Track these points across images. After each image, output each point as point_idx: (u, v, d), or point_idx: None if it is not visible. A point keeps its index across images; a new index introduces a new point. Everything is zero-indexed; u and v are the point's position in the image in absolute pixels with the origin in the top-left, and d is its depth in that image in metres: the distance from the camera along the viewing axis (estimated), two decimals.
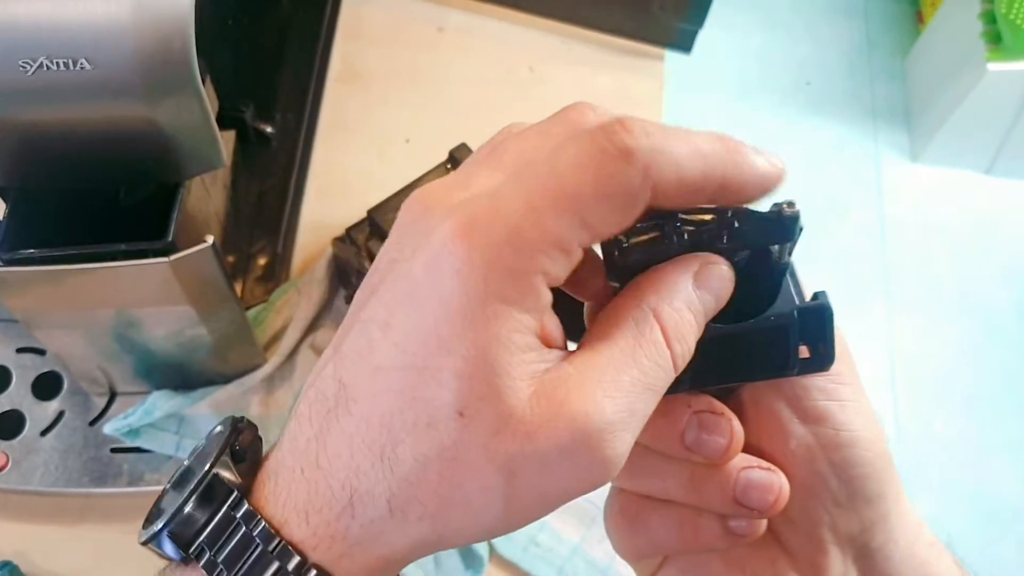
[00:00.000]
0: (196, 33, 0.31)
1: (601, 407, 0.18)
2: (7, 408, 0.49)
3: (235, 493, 0.19)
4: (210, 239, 0.37)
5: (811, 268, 1.36)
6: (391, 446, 0.18)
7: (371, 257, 0.49)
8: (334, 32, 0.67)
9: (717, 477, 0.22)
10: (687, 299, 0.19)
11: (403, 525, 0.18)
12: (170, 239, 0.36)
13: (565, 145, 0.18)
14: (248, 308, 0.53)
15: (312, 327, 0.53)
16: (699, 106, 1.41)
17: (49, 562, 0.47)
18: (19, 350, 0.51)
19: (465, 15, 0.68)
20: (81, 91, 0.30)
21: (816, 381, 0.22)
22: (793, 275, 0.21)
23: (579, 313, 0.22)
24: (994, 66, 1.22)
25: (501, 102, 0.65)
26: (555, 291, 0.19)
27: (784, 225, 0.19)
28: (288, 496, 0.19)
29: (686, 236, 0.19)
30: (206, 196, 0.45)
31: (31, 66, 0.29)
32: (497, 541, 0.49)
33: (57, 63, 0.29)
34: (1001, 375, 1.24)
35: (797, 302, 0.21)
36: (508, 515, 0.18)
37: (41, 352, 0.51)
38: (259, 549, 0.18)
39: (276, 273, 0.56)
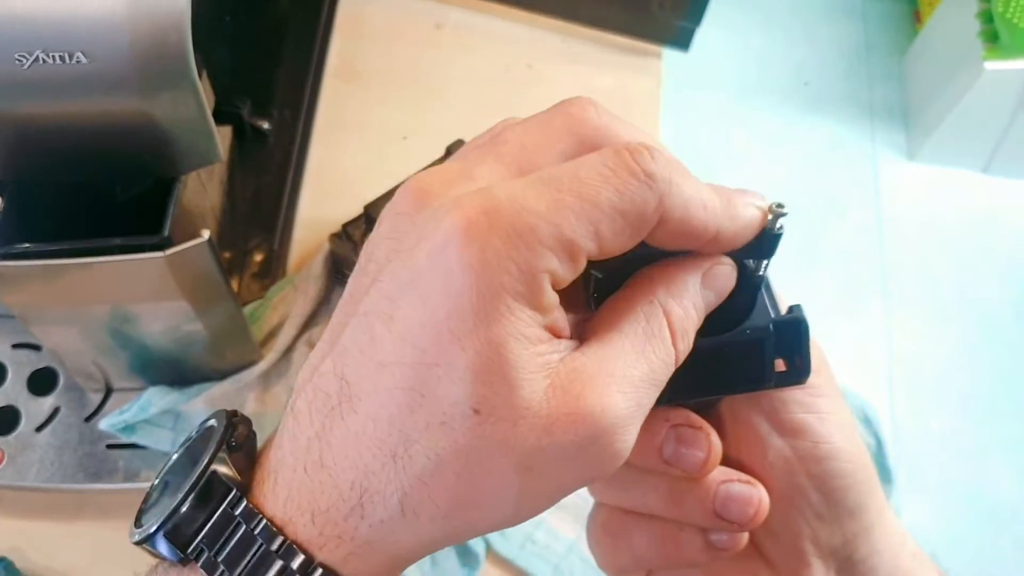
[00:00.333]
0: (193, 29, 0.31)
1: (615, 402, 0.18)
2: (2, 404, 0.49)
3: (234, 491, 0.19)
4: (206, 234, 0.37)
5: (809, 267, 1.37)
6: (404, 446, 0.17)
7: None
8: (331, 29, 0.67)
9: (697, 490, 0.22)
10: (694, 297, 0.19)
11: (414, 525, 0.18)
12: (166, 234, 0.36)
13: (590, 156, 0.18)
14: (244, 304, 0.53)
15: (309, 323, 0.53)
16: (697, 105, 1.41)
17: (45, 558, 0.47)
18: (15, 346, 0.51)
19: (463, 12, 0.68)
20: (77, 85, 0.30)
21: (794, 394, 0.22)
22: (769, 288, 0.22)
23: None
24: (991, 65, 1.23)
25: (499, 99, 0.65)
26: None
27: (766, 241, 0.20)
28: (290, 495, 0.18)
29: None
30: (202, 192, 0.45)
31: (27, 59, 0.29)
32: (493, 538, 0.49)
33: (53, 56, 0.29)
34: (998, 374, 1.25)
35: (773, 315, 0.21)
36: (518, 509, 0.18)
37: (37, 348, 0.51)
38: (262, 548, 0.18)
39: (272, 269, 0.56)
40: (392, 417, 0.17)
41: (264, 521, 0.18)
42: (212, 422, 0.20)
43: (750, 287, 0.21)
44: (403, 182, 0.19)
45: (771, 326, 0.21)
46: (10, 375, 0.50)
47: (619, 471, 0.22)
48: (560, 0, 0.67)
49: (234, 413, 0.21)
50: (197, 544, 0.18)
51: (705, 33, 0.66)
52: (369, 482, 0.18)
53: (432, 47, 0.67)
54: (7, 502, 0.49)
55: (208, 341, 0.45)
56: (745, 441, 0.23)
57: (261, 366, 0.50)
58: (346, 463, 0.18)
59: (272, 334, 0.52)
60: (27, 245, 0.36)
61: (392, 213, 0.19)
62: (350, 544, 0.18)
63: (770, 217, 0.20)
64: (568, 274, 0.18)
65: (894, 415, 1.20)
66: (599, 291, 0.20)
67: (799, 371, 0.21)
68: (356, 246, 0.50)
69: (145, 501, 0.20)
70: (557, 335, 0.18)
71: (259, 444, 0.21)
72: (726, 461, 0.23)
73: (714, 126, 1.41)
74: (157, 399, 0.48)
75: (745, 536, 0.23)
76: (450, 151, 0.50)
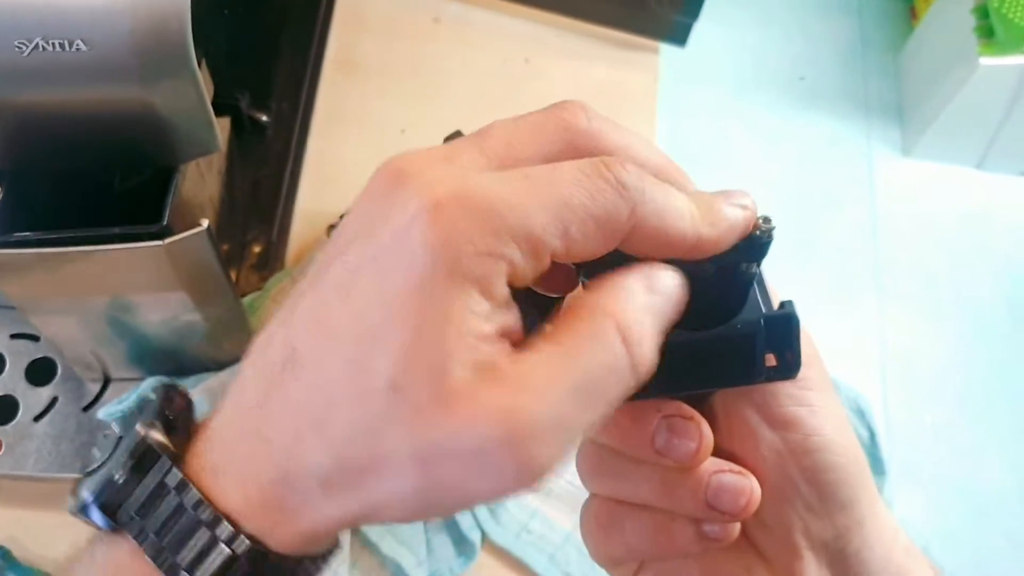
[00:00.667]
0: (192, 21, 0.31)
1: (531, 409, 0.16)
2: (1, 394, 0.49)
3: (167, 460, 0.19)
4: (205, 223, 0.37)
5: (804, 262, 1.38)
6: (329, 413, 0.17)
7: None
8: (330, 22, 0.67)
9: (689, 481, 0.22)
10: (643, 303, 0.19)
11: (333, 498, 0.18)
12: (165, 223, 0.36)
13: (567, 163, 0.18)
14: (243, 296, 0.53)
15: None
16: (693, 100, 1.41)
17: (42, 547, 0.47)
18: (13, 336, 0.51)
19: (461, 6, 0.69)
20: (77, 72, 0.30)
21: (785, 387, 0.22)
22: (761, 283, 0.22)
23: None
24: (986, 60, 1.23)
25: (496, 93, 0.66)
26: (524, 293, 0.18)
27: (756, 246, 0.20)
28: (223, 464, 0.18)
29: None
30: (201, 182, 0.45)
31: (27, 47, 0.29)
32: (489, 528, 0.49)
33: (53, 44, 0.29)
34: (992, 368, 1.25)
35: (764, 310, 0.21)
36: (423, 503, 0.17)
37: (35, 338, 0.51)
38: (189, 517, 0.18)
39: (271, 261, 0.56)
40: (326, 385, 0.17)
41: (194, 491, 0.18)
42: (151, 395, 0.20)
43: (741, 284, 0.21)
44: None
45: (762, 321, 0.21)
46: (8, 365, 0.50)
47: (610, 461, 0.23)
48: None
49: (171, 385, 0.21)
50: (129, 514, 0.18)
51: (702, 28, 0.66)
52: (299, 450, 0.18)
53: (430, 41, 0.67)
54: (5, 491, 0.49)
55: (206, 331, 0.45)
56: (737, 433, 0.23)
57: None
58: (281, 432, 0.18)
59: None
60: (27, 233, 0.36)
61: (368, 191, 0.19)
62: (276, 514, 0.18)
63: (757, 233, 0.20)
64: (529, 269, 0.17)
65: (888, 409, 1.21)
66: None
67: (790, 366, 0.21)
68: None
69: (84, 475, 0.20)
70: (506, 335, 0.18)
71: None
72: (718, 453, 0.23)
73: (710, 121, 1.42)
74: None
75: (737, 527, 0.23)
76: (447, 142, 0.50)
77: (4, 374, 0.50)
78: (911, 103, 1.45)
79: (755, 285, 0.21)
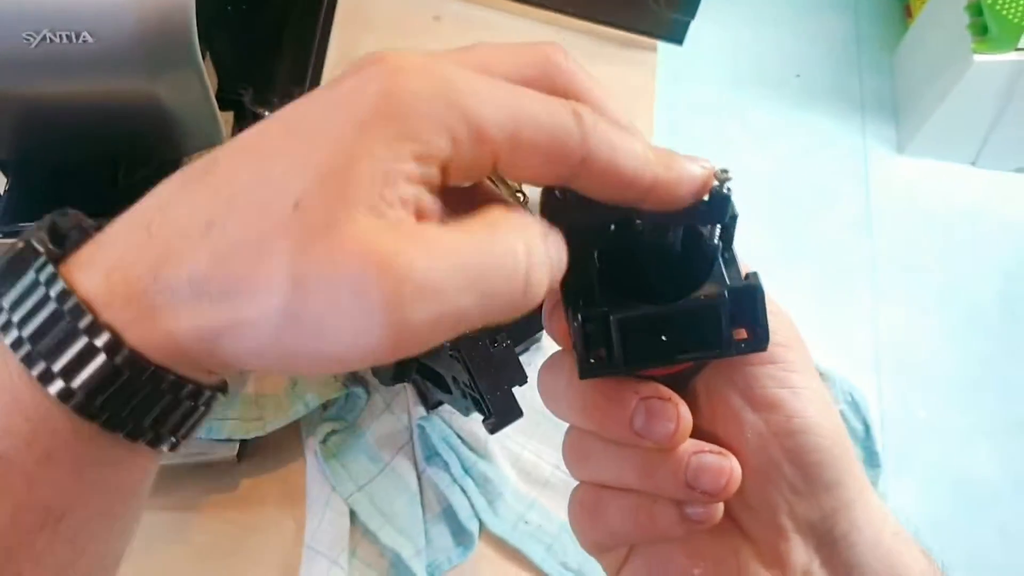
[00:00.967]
0: (196, 15, 0.31)
1: (414, 262, 0.16)
2: None
3: (41, 258, 0.18)
4: None
5: (799, 257, 1.38)
6: (222, 215, 0.17)
7: None
8: (333, 19, 0.67)
9: (669, 462, 0.22)
10: (553, 250, 0.19)
11: (194, 302, 0.17)
12: None
13: (532, 89, 0.19)
14: None
15: None
16: (690, 97, 1.42)
17: None
18: None
19: (462, 4, 0.69)
20: (83, 64, 0.31)
21: (767, 369, 0.23)
22: (732, 260, 0.22)
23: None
24: (980, 57, 1.24)
25: None
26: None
27: (715, 204, 0.20)
28: (102, 256, 0.18)
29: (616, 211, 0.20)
30: None
31: (34, 39, 0.30)
32: (487, 518, 0.49)
33: (60, 36, 0.30)
34: (984, 363, 1.26)
35: (729, 282, 0.21)
36: (278, 335, 0.17)
37: None
38: (53, 307, 0.18)
39: None
40: (230, 191, 0.17)
41: (61, 283, 0.18)
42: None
43: (705, 254, 0.21)
44: None
45: (726, 293, 0.21)
46: None
47: (593, 445, 0.23)
48: None
49: (73, 209, 0.20)
50: (3, 309, 0.18)
51: (699, 27, 0.67)
52: (178, 245, 0.17)
53: (431, 38, 0.68)
54: None
55: None
56: (720, 416, 0.23)
57: None
58: (169, 228, 0.18)
59: None
60: (32, 224, 0.37)
61: (349, 67, 0.19)
62: (136, 308, 0.18)
63: (716, 184, 0.20)
64: (470, 157, 0.17)
65: (882, 402, 1.21)
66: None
67: (759, 338, 0.21)
68: None
69: None
70: (417, 210, 0.17)
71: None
72: (702, 436, 0.23)
73: (707, 118, 1.42)
74: None
75: (720, 510, 0.23)
76: None
77: None
78: (906, 100, 1.45)
79: (720, 259, 0.22)
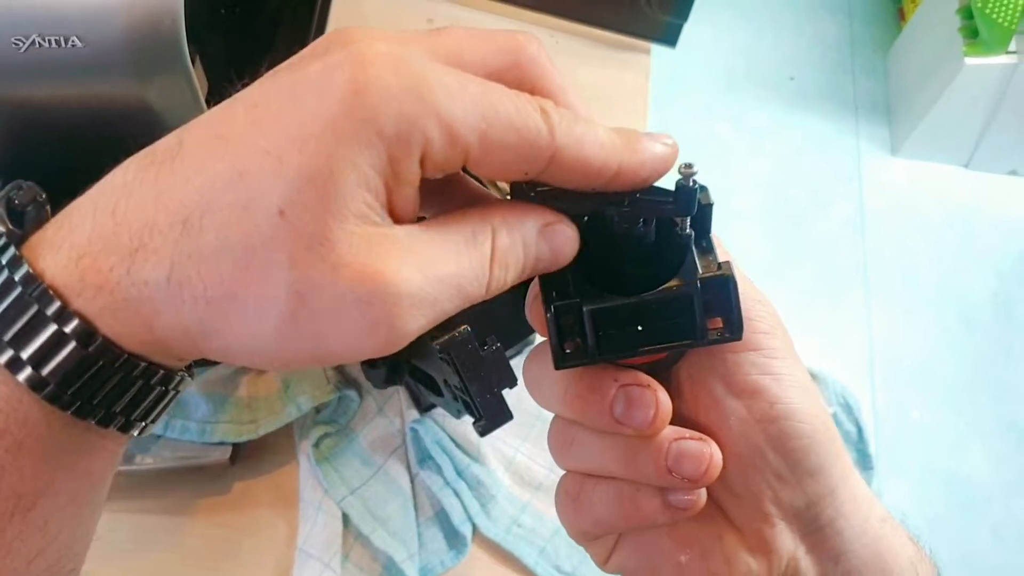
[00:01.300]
0: (188, 19, 0.31)
1: (411, 278, 0.17)
2: None
3: (2, 239, 0.18)
4: None
5: (792, 259, 1.39)
6: (199, 214, 0.17)
7: None
8: (326, 22, 0.67)
9: (650, 449, 0.22)
10: (526, 238, 0.20)
11: (177, 300, 0.17)
12: None
13: (500, 85, 0.19)
14: None
15: None
16: (684, 99, 1.42)
17: None
18: None
19: (454, 7, 0.69)
20: (72, 68, 0.31)
21: (749, 356, 0.23)
22: (710, 248, 0.22)
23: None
24: (971, 60, 1.24)
25: None
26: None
27: (682, 197, 0.20)
28: (68, 239, 0.18)
29: (589, 201, 0.20)
30: None
31: (23, 43, 0.30)
32: (480, 522, 0.49)
33: (49, 40, 0.30)
34: (978, 364, 1.27)
35: (701, 272, 0.22)
36: (278, 340, 0.17)
37: None
38: (17, 292, 0.17)
39: None
40: (203, 185, 0.17)
41: (26, 266, 0.17)
42: None
43: (678, 245, 0.22)
44: None
45: (698, 283, 0.21)
46: None
47: (576, 434, 0.24)
48: None
49: (23, 181, 0.20)
50: None
51: (693, 30, 0.67)
52: (150, 239, 0.17)
53: None
54: None
55: None
56: (703, 403, 0.23)
57: None
58: (137, 216, 0.17)
59: None
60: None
61: (315, 42, 0.19)
62: (107, 297, 0.17)
63: (682, 178, 0.20)
64: (441, 155, 0.18)
65: (875, 403, 1.22)
66: None
67: (734, 328, 0.22)
68: None
69: None
70: (393, 210, 0.18)
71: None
72: (685, 423, 0.23)
73: (701, 120, 1.43)
74: None
75: (703, 496, 0.23)
76: None
77: None
78: (899, 102, 1.46)
79: (696, 249, 0.22)
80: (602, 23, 0.68)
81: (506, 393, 0.40)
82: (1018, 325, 1.31)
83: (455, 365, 0.37)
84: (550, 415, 0.25)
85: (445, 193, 0.21)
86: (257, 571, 0.47)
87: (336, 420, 0.50)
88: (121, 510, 0.46)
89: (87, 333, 0.17)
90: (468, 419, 0.43)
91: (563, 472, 0.25)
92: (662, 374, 0.24)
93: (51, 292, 0.17)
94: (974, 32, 1.25)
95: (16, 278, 0.17)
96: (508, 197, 0.21)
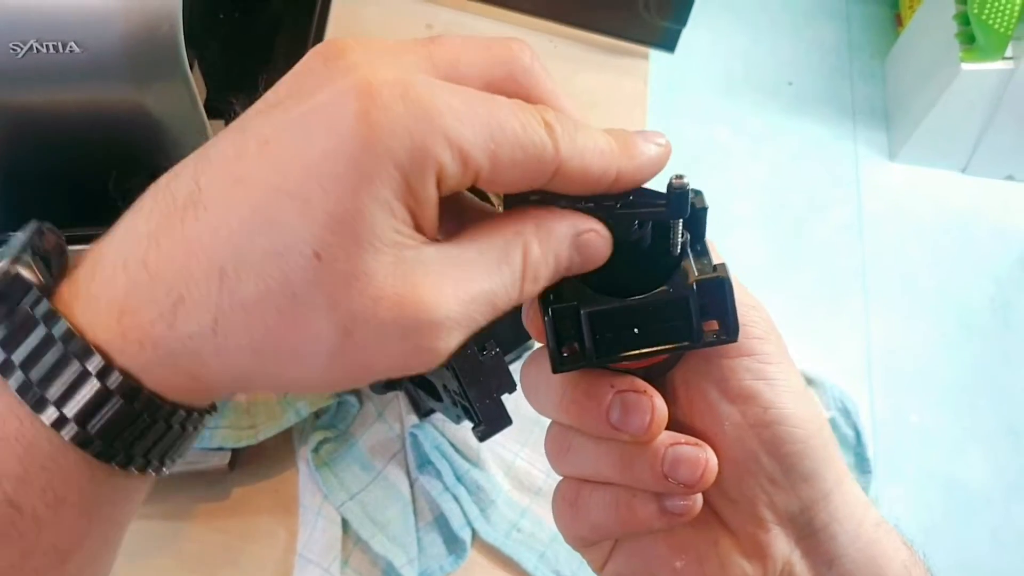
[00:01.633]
0: (186, 25, 0.31)
1: (448, 303, 0.18)
2: None
3: (34, 291, 0.18)
4: None
5: (791, 265, 1.39)
6: (234, 264, 0.17)
7: None
8: (324, 28, 0.67)
9: (646, 455, 0.23)
10: (557, 248, 0.20)
11: (223, 350, 0.17)
12: None
13: (502, 97, 0.19)
14: None
15: None
16: (683, 104, 1.43)
17: None
18: None
19: (454, 12, 0.69)
20: (70, 74, 0.31)
21: (743, 361, 0.23)
22: (704, 251, 0.22)
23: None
24: (968, 66, 1.25)
25: None
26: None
27: (674, 200, 0.20)
28: (102, 292, 0.18)
29: (585, 203, 0.21)
30: None
31: (21, 49, 0.30)
32: (480, 526, 0.49)
33: (47, 46, 0.30)
34: (975, 368, 1.27)
35: (697, 274, 0.22)
36: (328, 373, 0.18)
37: None
38: (59, 350, 0.17)
39: None
40: (233, 233, 0.17)
41: (64, 322, 0.17)
42: (20, 233, 0.20)
43: (673, 249, 0.22)
44: None
45: (694, 285, 0.21)
46: None
47: (573, 440, 0.24)
48: (549, 2, 0.68)
49: (44, 224, 0.20)
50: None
51: (692, 35, 0.67)
52: (188, 291, 0.17)
53: None
54: None
55: None
56: (698, 409, 0.23)
57: None
58: (170, 267, 0.17)
59: None
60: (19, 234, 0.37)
61: (307, 59, 0.18)
62: (152, 352, 0.17)
63: (673, 184, 0.21)
64: (454, 177, 0.18)
65: (874, 408, 1.22)
66: None
67: (730, 330, 0.22)
68: None
69: None
70: (422, 231, 0.18)
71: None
72: (681, 429, 0.23)
73: (700, 125, 1.43)
74: None
75: (698, 502, 0.23)
76: None
77: None
78: (897, 107, 1.46)
79: (691, 252, 0.22)
80: (601, 28, 0.68)
81: (505, 398, 0.40)
82: (1016, 330, 1.31)
83: (454, 370, 0.37)
84: (549, 420, 0.25)
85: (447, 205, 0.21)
86: None
87: (335, 425, 0.50)
88: None
89: (131, 388, 0.18)
90: (467, 424, 0.43)
91: (551, 466, 0.25)
92: (657, 380, 0.24)
93: (93, 349, 0.17)
94: (971, 38, 1.26)
95: (55, 334, 0.17)
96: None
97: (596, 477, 0.24)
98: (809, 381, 0.78)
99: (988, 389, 1.26)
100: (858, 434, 0.74)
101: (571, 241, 0.20)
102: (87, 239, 0.37)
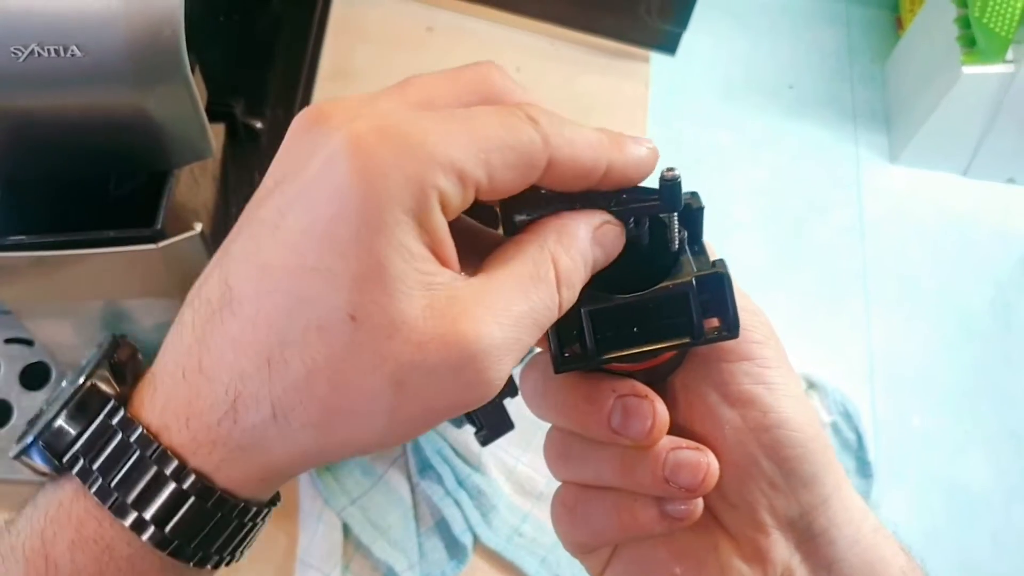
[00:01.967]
0: (187, 28, 0.31)
1: (491, 331, 0.18)
2: None
3: (112, 402, 0.19)
4: (198, 227, 0.38)
5: (792, 266, 1.39)
6: (279, 350, 0.17)
7: None
8: (325, 31, 0.67)
9: (647, 459, 0.23)
10: (583, 250, 0.20)
11: (287, 432, 0.18)
12: (159, 226, 0.37)
13: (482, 107, 0.19)
14: None
15: None
16: (684, 107, 1.43)
17: None
18: (7, 340, 0.51)
19: (454, 15, 0.69)
20: (72, 78, 0.31)
21: (742, 366, 0.23)
22: (702, 251, 0.22)
23: None
24: (969, 69, 1.25)
25: None
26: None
27: (667, 193, 0.20)
28: (168, 401, 0.19)
29: (579, 204, 0.21)
30: (195, 187, 0.46)
31: (22, 53, 0.30)
32: (481, 531, 0.49)
33: (48, 50, 0.30)
34: (977, 371, 1.27)
35: (696, 270, 0.22)
36: (391, 426, 0.18)
37: (29, 343, 0.51)
38: (136, 455, 0.18)
39: None
40: (270, 320, 0.17)
41: (140, 428, 0.18)
42: (97, 347, 0.21)
43: (672, 247, 0.22)
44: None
45: (693, 281, 0.21)
46: (3, 370, 0.50)
47: (573, 445, 0.24)
48: (550, 5, 0.68)
49: (120, 335, 0.21)
50: (73, 454, 0.19)
51: (692, 38, 0.67)
52: (244, 386, 0.18)
53: (424, 50, 0.68)
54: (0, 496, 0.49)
55: None
56: (698, 413, 0.24)
57: None
58: (223, 367, 0.18)
59: None
60: (21, 237, 0.36)
61: (291, 134, 0.19)
62: (223, 450, 0.18)
63: (663, 177, 0.21)
64: (457, 199, 0.18)
65: (875, 411, 1.22)
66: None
67: (730, 325, 0.22)
68: None
69: (28, 424, 0.20)
70: (443, 262, 0.18)
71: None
72: (681, 433, 0.23)
73: (700, 128, 1.43)
74: None
75: (699, 506, 0.23)
76: None
77: None
78: (897, 111, 1.46)
79: (689, 251, 0.22)
80: (602, 31, 0.68)
81: (507, 403, 0.40)
82: (1017, 332, 1.31)
83: None
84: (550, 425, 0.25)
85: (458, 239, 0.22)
86: None
87: None
88: None
89: (205, 488, 0.18)
90: (469, 428, 0.43)
91: (551, 471, 0.25)
92: (658, 384, 0.24)
93: (169, 453, 0.18)
94: (972, 41, 1.26)
95: (132, 441, 0.18)
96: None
97: (596, 482, 0.24)
98: (811, 385, 0.78)
99: (989, 392, 1.25)
100: (859, 438, 0.74)
101: (592, 238, 0.20)
102: (91, 243, 0.37)
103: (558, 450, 0.24)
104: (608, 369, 0.23)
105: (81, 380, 0.19)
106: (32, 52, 0.30)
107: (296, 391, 0.17)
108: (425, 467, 0.50)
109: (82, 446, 0.19)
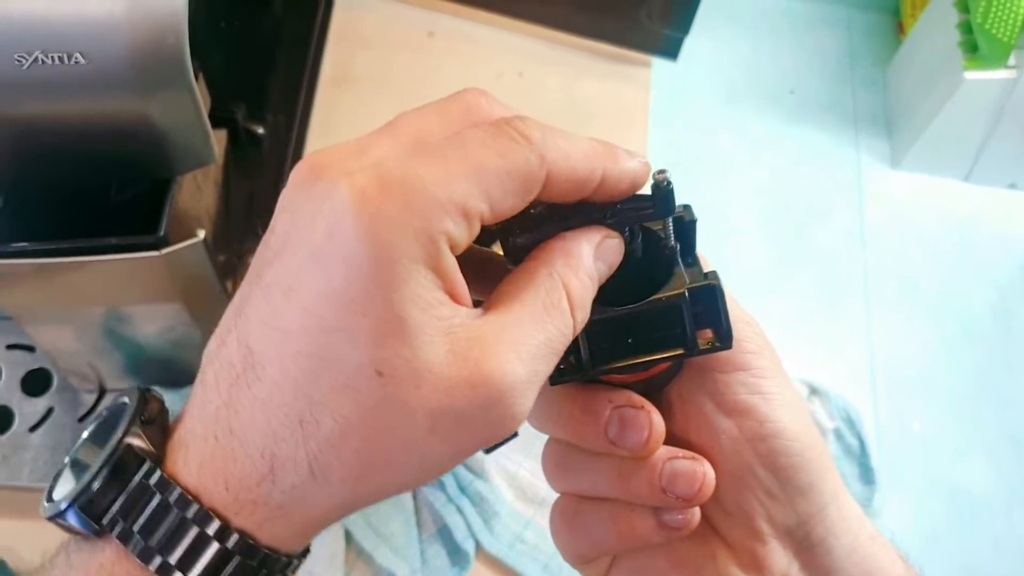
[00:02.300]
0: (189, 34, 0.31)
1: (515, 368, 0.18)
2: None
3: (148, 462, 0.19)
4: (201, 234, 0.38)
5: (793, 271, 1.38)
6: (310, 410, 0.18)
7: None
8: (326, 36, 0.67)
9: (644, 470, 0.23)
10: (589, 269, 0.20)
11: (325, 489, 0.18)
12: (162, 233, 0.37)
13: (471, 129, 0.19)
14: None
15: None
16: (685, 112, 1.43)
17: (38, 558, 0.47)
18: (9, 346, 0.51)
19: (455, 20, 0.69)
20: (75, 85, 0.31)
21: (738, 376, 0.23)
22: (695, 263, 0.23)
23: None
24: (971, 74, 1.25)
25: None
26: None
27: (660, 199, 0.21)
28: (203, 464, 0.19)
29: (573, 219, 0.21)
30: (198, 193, 0.46)
31: (26, 60, 0.30)
32: (484, 538, 0.49)
33: (52, 57, 0.30)
34: (978, 375, 1.27)
35: (688, 282, 0.22)
36: (423, 469, 0.19)
37: (31, 349, 0.51)
38: (178, 516, 0.18)
39: None
40: (297, 383, 0.18)
41: (179, 490, 0.18)
42: (124, 399, 0.20)
43: (665, 260, 0.22)
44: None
45: (686, 292, 0.22)
46: (4, 376, 0.50)
47: (570, 456, 0.24)
48: (551, 10, 0.68)
49: (147, 389, 0.21)
50: (112, 516, 0.18)
51: (694, 43, 0.67)
52: (279, 448, 0.18)
53: (425, 55, 0.68)
54: (1, 502, 0.49)
55: (202, 342, 0.45)
56: (694, 423, 0.24)
57: None
58: (254, 430, 0.18)
59: None
60: (24, 244, 0.36)
61: (289, 187, 0.19)
62: (264, 509, 0.18)
63: (655, 181, 0.21)
64: (464, 236, 0.18)
65: (876, 416, 1.21)
66: (519, 258, 0.21)
67: (723, 337, 0.22)
68: None
69: (55, 479, 0.20)
70: (457, 301, 0.19)
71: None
72: (677, 443, 0.23)
73: (702, 133, 1.43)
74: None
75: (696, 516, 0.23)
76: None
77: (0, 385, 0.50)
78: (899, 116, 1.46)
79: (682, 264, 0.22)
80: (603, 36, 0.68)
81: None
82: (1017, 337, 1.31)
83: None
84: None
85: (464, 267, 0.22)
86: None
87: None
88: None
89: (249, 547, 0.19)
90: None
91: (549, 483, 0.25)
92: (654, 395, 0.24)
93: (211, 513, 0.18)
94: (974, 46, 1.26)
95: (170, 501, 0.18)
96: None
97: (594, 493, 0.24)
98: (813, 391, 0.78)
99: (990, 397, 1.25)
100: (862, 444, 0.74)
101: (595, 255, 0.20)
102: (94, 250, 0.37)
103: (556, 462, 0.25)
104: (604, 381, 0.23)
105: (117, 439, 0.19)
106: (36, 60, 0.30)
107: (332, 448, 0.18)
108: None
109: (120, 508, 0.18)
